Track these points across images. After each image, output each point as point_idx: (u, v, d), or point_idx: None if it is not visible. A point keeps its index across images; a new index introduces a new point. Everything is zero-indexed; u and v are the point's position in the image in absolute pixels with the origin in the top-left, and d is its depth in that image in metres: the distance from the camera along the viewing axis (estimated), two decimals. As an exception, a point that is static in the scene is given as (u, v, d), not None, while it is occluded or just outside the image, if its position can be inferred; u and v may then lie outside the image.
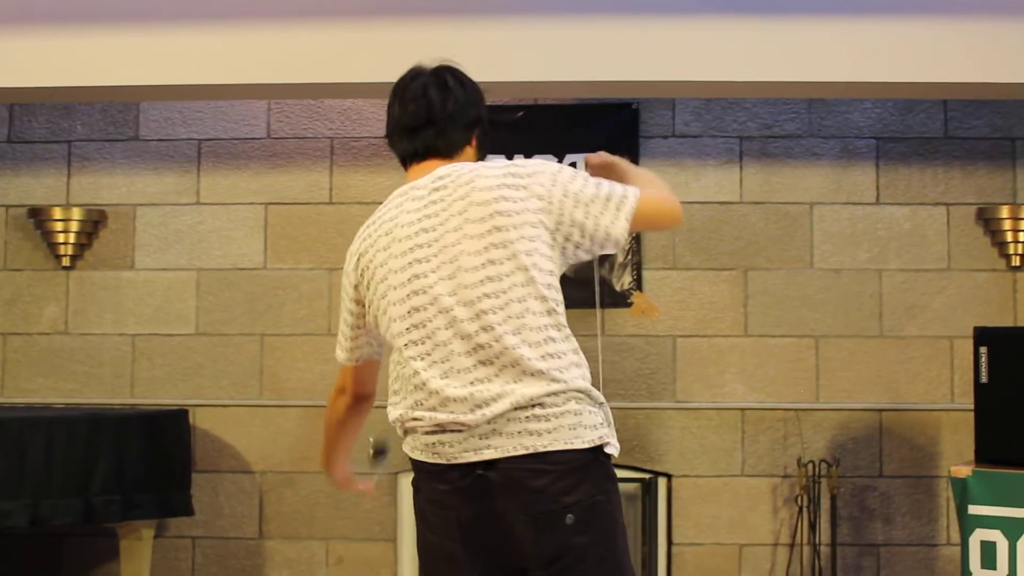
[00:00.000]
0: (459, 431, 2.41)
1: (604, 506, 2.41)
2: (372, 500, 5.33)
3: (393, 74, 4.72)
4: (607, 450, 2.44)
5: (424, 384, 2.44)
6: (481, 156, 2.70)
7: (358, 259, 2.62)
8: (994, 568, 3.98)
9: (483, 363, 2.40)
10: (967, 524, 4.06)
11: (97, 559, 5.36)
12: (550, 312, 2.43)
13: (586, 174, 2.57)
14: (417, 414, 2.46)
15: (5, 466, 4.33)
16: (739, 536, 5.32)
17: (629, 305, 5.35)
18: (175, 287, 5.51)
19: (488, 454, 2.38)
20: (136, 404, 5.41)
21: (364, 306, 2.62)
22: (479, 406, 2.38)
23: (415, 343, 2.46)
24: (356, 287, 2.63)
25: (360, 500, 5.37)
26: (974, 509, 4.07)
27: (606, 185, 2.54)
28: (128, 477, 4.57)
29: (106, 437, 4.56)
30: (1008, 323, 5.31)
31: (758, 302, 5.40)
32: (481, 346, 2.40)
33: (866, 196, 5.44)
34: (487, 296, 2.41)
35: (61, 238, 5.45)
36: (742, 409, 5.36)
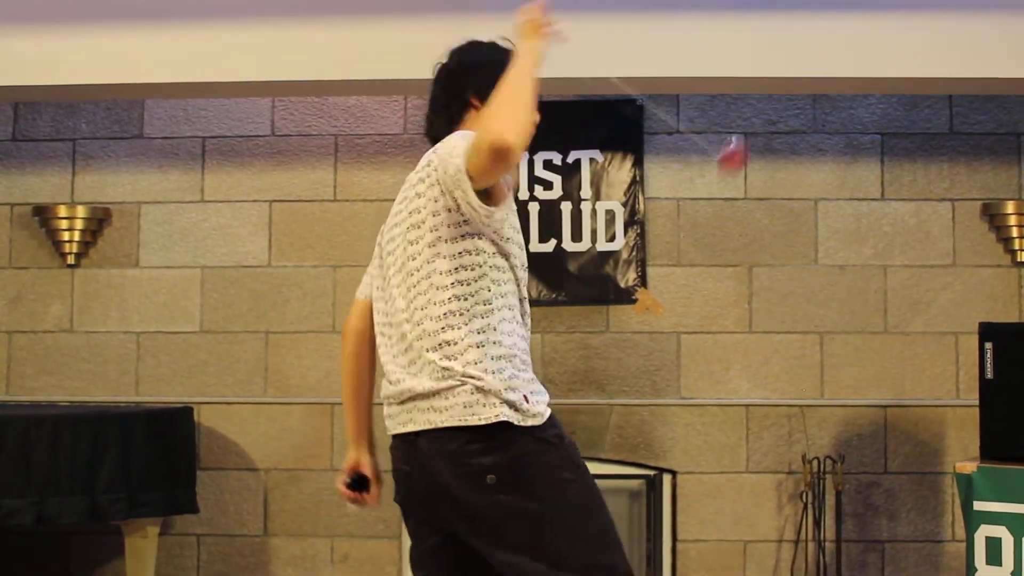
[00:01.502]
0: (393, 404, 2.64)
1: (533, 465, 2.50)
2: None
3: (397, 71, 4.77)
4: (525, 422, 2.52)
5: (383, 363, 2.69)
6: None
7: (385, 226, 2.81)
8: (999, 564, 3.97)
9: (404, 352, 2.60)
10: (972, 520, 4.06)
11: (102, 557, 5.37)
12: (452, 298, 2.54)
13: (463, 136, 2.55)
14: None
15: (11, 464, 4.34)
16: (744, 532, 5.32)
17: (634, 302, 5.35)
18: (180, 285, 5.51)
19: (411, 427, 2.57)
20: (141, 402, 5.42)
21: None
22: (400, 390, 2.60)
23: (381, 319, 2.70)
24: (380, 245, 2.81)
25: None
26: (979, 505, 4.06)
27: (459, 141, 2.53)
28: (133, 475, 4.58)
29: (111, 435, 4.57)
30: (1013, 319, 5.31)
31: (763, 298, 5.40)
32: (404, 335, 2.60)
33: (871, 192, 5.43)
34: (406, 287, 2.60)
35: (66, 236, 5.46)
36: (747, 405, 5.36)
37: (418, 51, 4.73)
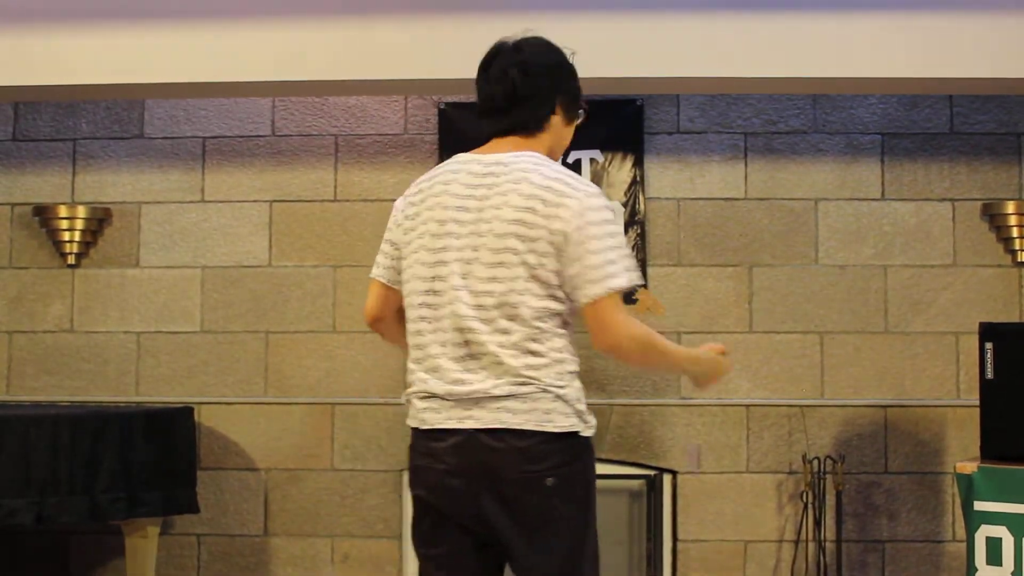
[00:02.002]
0: (445, 400, 2.65)
1: (583, 474, 2.67)
2: (377, 497, 5.34)
3: (397, 71, 4.76)
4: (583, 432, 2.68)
5: (427, 355, 2.68)
6: (572, 118, 2.83)
7: (412, 201, 2.75)
8: (1000, 564, 3.97)
9: (472, 356, 2.62)
10: (972, 520, 4.06)
11: (103, 557, 5.37)
12: (541, 317, 2.62)
13: (606, 224, 2.63)
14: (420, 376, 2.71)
15: (11, 464, 4.34)
16: (744, 532, 5.32)
17: (634, 302, 5.35)
18: (180, 285, 5.51)
19: (469, 424, 2.61)
20: (141, 402, 5.42)
21: (397, 247, 2.78)
22: (467, 390, 2.62)
23: (428, 310, 2.68)
24: (402, 227, 2.76)
25: (365, 497, 5.38)
26: (980, 505, 4.06)
27: (616, 259, 2.62)
28: (133, 475, 4.58)
29: (111, 435, 4.57)
30: (1014, 319, 5.30)
31: (763, 298, 5.40)
32: (469, 341, 2.62)
33: (871, 192, 5.43)
34: (489, 293, 2.61)
35: (66, 236, 5.46)
36: (747, 406, 5.36)
37: (418, 51, 4.76)
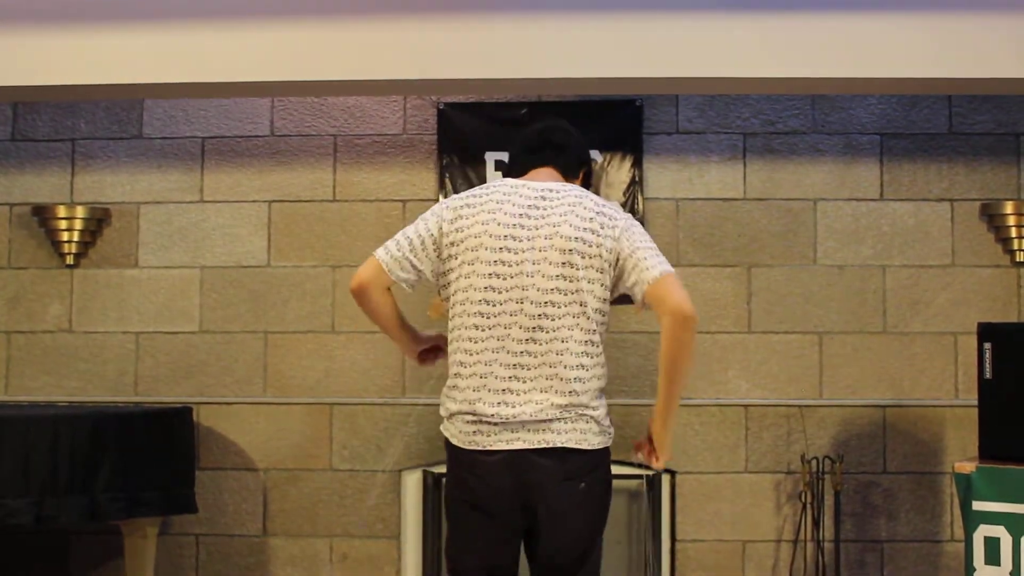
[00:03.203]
0: (494, 425, 3.00)
1: (607, 479, 3.12)
2: (376, 497, 5.35)
3: (396, 72, 4.77)
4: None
5: (478, 360, 2.99)
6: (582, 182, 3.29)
7: (460, 212, 3.06)
8: (998, 564, 3.98)
9: (523, 366, 2.97)
10: (971, 520, 4.06)
11: (102, 556, 5.37)
12: (590, 341, 3.00)
13: (644, 237, 3.06)
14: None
15: (10, 464, 4.34)
16: (742, 532, 5.32)
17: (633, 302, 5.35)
18: (179, 285, 5.52)
19: (517, 445, 2.97)
20: (140, 402, 5.42)
21: (437, 246, 3.06)
22: (511, 406, 2.98)
23: (481, 321, 2.98)
24: (443, 231, 3.05)
25: (364, 497, 5.38)
26: (978, 505, 4.06)
27: (659, 254, 3.04)
28: (132, 475, 4.58)
29: (110, 435, 4.57)
30: (1012, 319, 5.31)
31: (761, 298, 5.40)
32: (528, 353, 2.96)
33: (870, 192, 5.43)
34: (545, 316, 2.95)
35: (65, 236, 5.46)
36: (745, 406, 5.36)
37: (417, 52, 4.76)
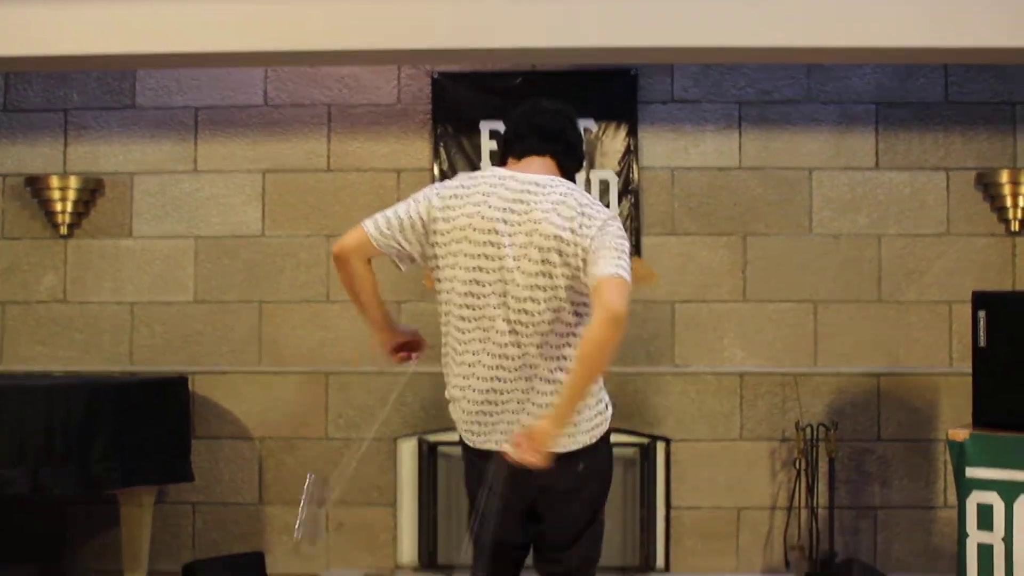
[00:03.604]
0: (483, 424, 3.07)
1: (604, 455, 3.17)
2: (372, 466, 5.36)
3: (389, 41, 4.74)
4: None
5: (466, 350, 3.02)
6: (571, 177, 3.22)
7: (448, 202, 3.03)
8: (991, 530, 4.00)
9: (508, 357, 2.97)
10: (964, 487, 4.08)
11: (99, 526, 5.39)
12: (571, 334, 2.99)
13: (620, 243, 2.98)
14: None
15: (6, 434, 4.35)
16: (737, 499, 5.35)
17: (628, 271, 5.36)
18: (173, 255, 5.51)
19: (506, 447, 2.94)
20: (135, 372, 5.43)
21: (426, 231, 3.04)
22: (495, 404, 3.03)
23: (466, 312, 3.00)
24: (432, 216, 3.03)
25: (360, 466, 5.39)
26: (971, 472, 4.08)
27: (621, 257, 2.96)
28: (128, 445, 4.58)
29: (106, 405, 4.57)
30: (1007, 287, 5.32)
31: (757, 267, 5.41)
32: (513, 344, 2.97)
33: (865, 161, 5.43)
34: (525, 311, 2.95)
35: (59, 207, 5.45)
36: (740, 374, 5.37)
37: (411, 21, 4.73)
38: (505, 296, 2.96)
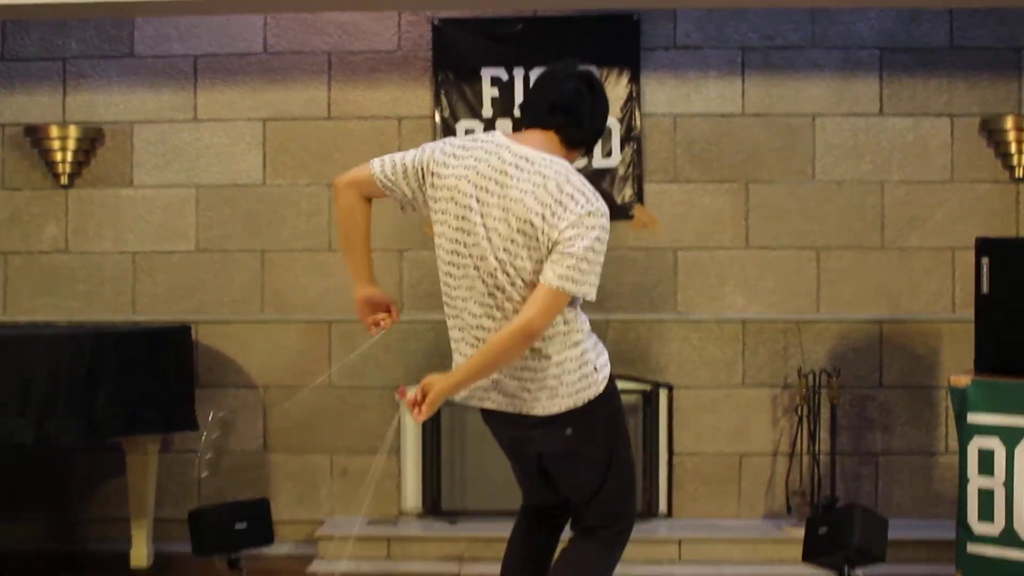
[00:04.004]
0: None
1: (601, 414, 3.09)
2: (375, 413, 5.38)
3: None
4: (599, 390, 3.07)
5: (455, 306, 3.04)
6: (582, 154, 3.16)
7: (447, 160, 3.01)
8: (991, 475, 4.03)
9: (490, 318, 2.97)
10: (965, 432, 4.10)
11: (105, 475, 5.42)
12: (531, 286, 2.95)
13: (592, 244, 2.90)
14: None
15: (10, 384, 4.36)
16: (739, 446, 5.37)
17: (630, 218, 5.35)
18: (174, 204, 5.50)
19: (488, 405, 3.10)
20: (139, 321, 5.43)
21: (424, 183, 3.04)
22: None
23: (452, 270, 3.01)
24: (431, 170, 3.02)
25: (363, 413, 5.42)
26: (973, 417, 4.10)
27: (581, 264, 2.90)
28: (131, 393, 4.60)
29: (109, 354, 4.58)
30: (1010, 234, 5.31)
31: (759, 214, 5.39)
32: (493, 306, 2.96)
33: (869, 107, 5.40)
34: (497, 287, 2.94)
35: (59, 156, 5.43)
36: (743, 321, 5.38)
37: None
38: (481, 264, 2.96)
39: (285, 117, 5.48)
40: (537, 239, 2.88)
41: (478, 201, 2.94)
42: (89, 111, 5.51)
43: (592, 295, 2.93)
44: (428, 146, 3.08)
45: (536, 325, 2.87)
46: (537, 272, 2.90)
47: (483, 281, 2.96)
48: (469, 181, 2.95)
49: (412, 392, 2.94)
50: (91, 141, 5.46)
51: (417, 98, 5.44)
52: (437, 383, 2.93)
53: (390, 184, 3.05)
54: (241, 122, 5.49)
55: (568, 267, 2.86)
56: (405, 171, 3.05)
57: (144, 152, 5.51)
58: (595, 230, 2.89)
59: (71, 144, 5.42)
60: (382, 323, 3.22)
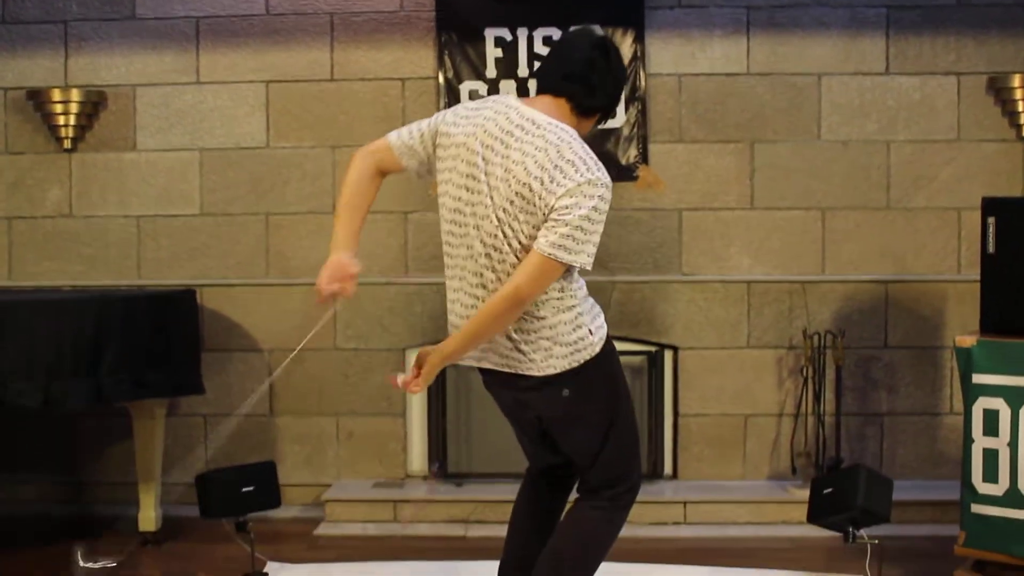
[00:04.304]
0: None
1: (598, 375, 3.11)
2: (381, 376, 5.39)
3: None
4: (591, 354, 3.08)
5: (455, 265, 3.06)
6: (595, 123, 3.17)
7: (457, 121, 3.04)
8: (996, 435, 4.02)
9: (487, 278, 2.97)
10: (971, 393, 4.10)
11: (112, 438, 5.44)
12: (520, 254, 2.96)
13: (589, 213, 2.88)
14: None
15: (16, 349, 4.36)
16: (744, 407, 5.38)
17: (635, 179, 5.33)
18: (178, 168, 5.48)
19: (486, 365, 3.11)
20: (143, 285, 5.44)
21: (434, 145, 3.06)
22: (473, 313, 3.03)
23: (454, 228, 3.02)
24: (442, 131, 3.05)
25: (369, 376, 5.43)
26: (978, 378, 4.09)
27: (576, 233, 2.88)
28: (138, 357, 4.60)
29: (115, 318, 4.57)
30: (1016, 194, 5.28)
31: (765, 175, 5.37)
32: (489, 268, 2.96)
33: (875, 66, 5.36)
34: (495, 248, 2.94)
35: (61, 120, 5.41)
36: (748, 282, 5.37)
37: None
38: (481, 226, 2.97)
39: (288, 79, 5.45)
40: (534, 204, 2.88)
41: (484, 160, 2.95)
42: (91, 74, 5.49)
43: (588, 264, 2.92)
44: (442, 112, 3.13)
45: (524, 292, 2.88)
46: (533, 237, 2.90)
47: (482, 242, 2.96)
48: (477, 139, 2.97)
49: (402, 377, 2.99)
50: (94, 104, 5.44)
51: (420, 59, 5.41)
52: (432, 355, 2.96)
53: (407, 150, 3.08)
54: (244, 84, 5.47)
55: (561, 235, 2.85)
56: (422, 135, 3.09)
57: (147, 115, 5.49)
58: (593, 199, 2.87)
59: (73, 108, 5.40)
60: (340, 294, 3.03)
